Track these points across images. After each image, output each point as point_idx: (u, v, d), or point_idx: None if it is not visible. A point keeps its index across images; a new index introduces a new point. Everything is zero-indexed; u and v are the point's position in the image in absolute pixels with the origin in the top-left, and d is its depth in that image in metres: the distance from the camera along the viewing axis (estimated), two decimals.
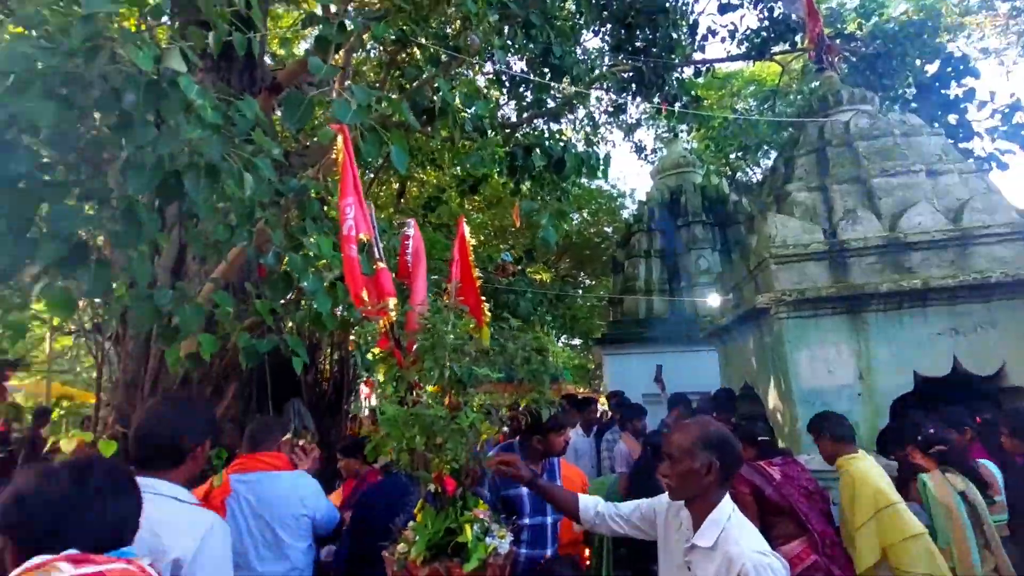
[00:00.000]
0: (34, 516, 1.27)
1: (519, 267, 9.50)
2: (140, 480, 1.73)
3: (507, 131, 5.60)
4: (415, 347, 2.09)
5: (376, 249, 2.30)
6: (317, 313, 3.76)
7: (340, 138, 2.31)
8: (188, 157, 2.18)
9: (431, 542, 1.90)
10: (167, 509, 1.71)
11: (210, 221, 2.93)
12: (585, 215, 20.67)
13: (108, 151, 2.42)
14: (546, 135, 6.51)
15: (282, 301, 3.64)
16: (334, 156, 2.30)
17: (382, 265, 2.29)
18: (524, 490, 2.76)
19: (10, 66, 2.25)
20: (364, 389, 8.86)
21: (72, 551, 1.22)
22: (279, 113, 6.00)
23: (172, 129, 2.09)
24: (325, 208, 5.05)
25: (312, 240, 3.67)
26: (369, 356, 6.37)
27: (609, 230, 21.11)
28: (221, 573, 1.70)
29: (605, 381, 10.14)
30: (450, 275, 2.48)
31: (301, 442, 5.57)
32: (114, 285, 3.06)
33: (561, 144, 5.16)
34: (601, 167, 5.39)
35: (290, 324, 4.75)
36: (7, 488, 1.34)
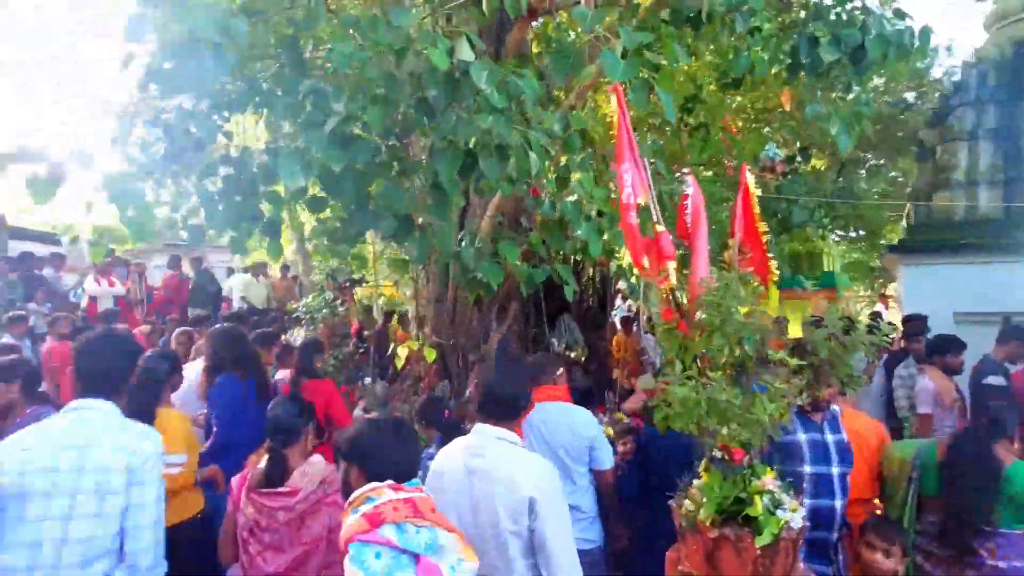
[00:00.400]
0: (368, 452, 1.83)
1: (792, 166, 8.35)
2: (486, 427, 2.13)
3: (782, 18, 4.71)
4: (698, 315, 2.07)
5: (654, 211, 2.27)
6: (584, 243, 3.95)
7: (613, 99, 2.26)
8: (481, 138, 2.41)
9: (720, 507, 1.98)
10: (513, 453, 2.07)
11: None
12: (876, 81, 16.64)
13: (413, 131, 2.81)
14: (833, 8, 5.32)
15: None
16: (608, 117, 2.27)
17: (661, 228, 2.26)
18: (802, 436, 2.63)
19: (338, 65, 2.71)
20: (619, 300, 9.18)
21: (390, 481, 1.75)
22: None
23: (466, 118, 2.31)
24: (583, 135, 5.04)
25: (578, 179, 3.78)
26: (633, 280, 6.48)
27: (911, 96, 16.78)
28: (563, 509, 2.04)
29: (899, 295, 8.62)
30: (731, 229, 2.34)
31: (572, 355, 6.14)
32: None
33: (858, 27, 4.17)
34: (917, 45, 4.23)
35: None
36: (349, 428, 1.98)
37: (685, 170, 2.28)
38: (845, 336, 2.10)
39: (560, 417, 3.10)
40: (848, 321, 2.13)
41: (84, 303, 7.98)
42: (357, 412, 5.91)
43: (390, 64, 2.55)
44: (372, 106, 2.42)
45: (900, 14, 4.39)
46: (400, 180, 2.88)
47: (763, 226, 2.25)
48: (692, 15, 4.01)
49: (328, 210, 4.25)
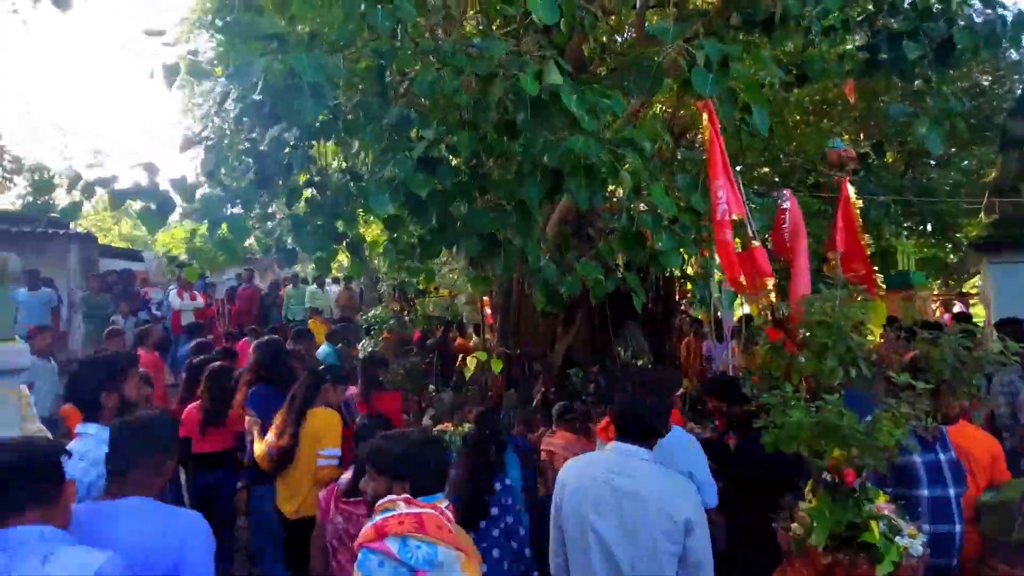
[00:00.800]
0: (390, 465, 1.93)
1: (863, 162, 7.98)
2: (625, 446, 2.09)
3: (862, 19, 4.47)
4: (801, 328, 2.03)
5: (749, 227, 2.24)
6: (655, 253, 3.91)
7: (705, 115, 2.25)
8: (569, 159, 2.43)
9: (832, 531, 1.93)
10: (660, 475, 2.03)
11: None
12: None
13: (497, 153, 2.86)
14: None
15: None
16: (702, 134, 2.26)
17: (756, 243, 2.23)
18: (917, 457, 2.50)
19: (422, 91, 2.80)
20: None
21: (406, 495, 1.84)
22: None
23: (553, 141, 2.33)
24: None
25: (649, 187, 3.73)
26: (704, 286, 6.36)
27: (987, 81, 15.75)
28: (706, 524, 2.01)
29: (986, 294, 8.12)
30: (832, 242, 2.28)
31: (639, 363, 6.07)
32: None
33: (944, 18, 3.95)
34: (1010, 35, 3.96)
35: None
36: (376, 440, 2.06)
37: (785, 191, 2.23)
38: (968, 353, 2.01)
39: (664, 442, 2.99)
40: (972, 336, 2.03)
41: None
42: (426, 420, 6.04)
43: (471, 89, 2.61)
44: (459, 132, 2.49)
45: (989, 1, 4.14)
46: (482, 201, 2.94)
47: (874, 233, 2.18)
48: (764, 19, 3.93)
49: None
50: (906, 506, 2.07)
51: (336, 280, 10.86)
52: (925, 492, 2.41)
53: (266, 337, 4.79)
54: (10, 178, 17.52)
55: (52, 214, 9.13)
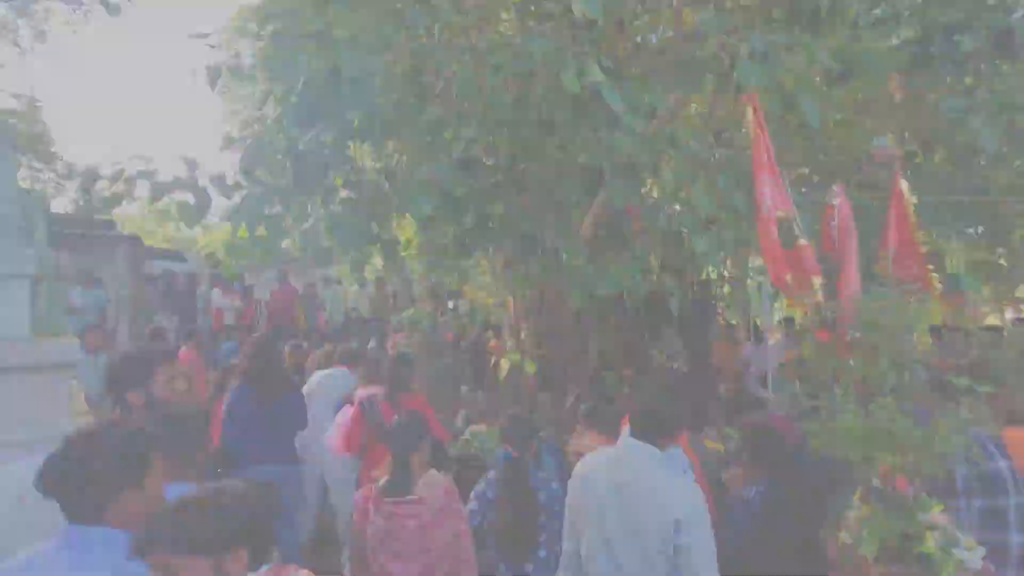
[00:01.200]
0: (256, 530, 1.38)
1: (910, 160, 7.68)
2: (633, 443, 2.04)
3: (911, 12, 4.28)
4: (851, 329, 1.94)
5: (796, 225, 2.17)
6: (692, 254, 3.82)
7: (750, 110, 2.18)
8: (610, 157, 2.39)
9: (884, 543, 1.84)
10: (660, 473, 2.01)
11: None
12: None
13: (536, 152, 2.84)
14: None
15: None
16: (746, 131, 2.19)
17: (804, 242, 2.16)
18: (1004, 462, 2.37)
19: (462, 91, 2.80)
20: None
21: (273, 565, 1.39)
22: None
23: (594, 139, 2.30)
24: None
25: (688, 186, 3.65)
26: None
27: None
28: (708, 531, 1.95)
29: None
30: (884, 240, 2.19)
31: (675, 366, 5.96)
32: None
33: (1003, 9, 3.75)
34: None
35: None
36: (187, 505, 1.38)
37: (835, 187, 2.15)
38: None
39: None
40: None
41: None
42: (459, 422, 6.03)
43: (511, 87, 2.60)
44: (499, 131, 2.48)
45: None
46: (520, 201, 2.93)
47: (921, 235, 2.09)
48: (809, 12, 3.81)
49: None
50: (993, 516, 1.96)
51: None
52: (1012, 500, 2.26)
53: (259, 335, 4.56)
54: (62, 184, 18.40)
55: (100, 216, 9.50)
